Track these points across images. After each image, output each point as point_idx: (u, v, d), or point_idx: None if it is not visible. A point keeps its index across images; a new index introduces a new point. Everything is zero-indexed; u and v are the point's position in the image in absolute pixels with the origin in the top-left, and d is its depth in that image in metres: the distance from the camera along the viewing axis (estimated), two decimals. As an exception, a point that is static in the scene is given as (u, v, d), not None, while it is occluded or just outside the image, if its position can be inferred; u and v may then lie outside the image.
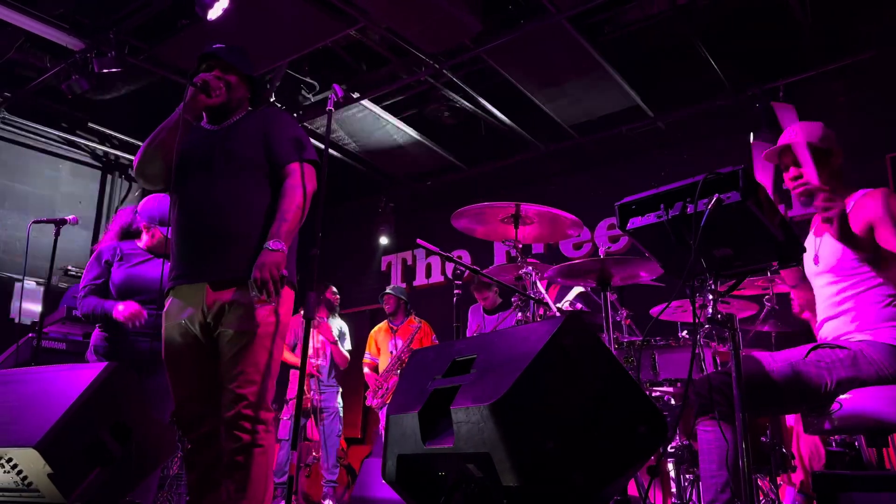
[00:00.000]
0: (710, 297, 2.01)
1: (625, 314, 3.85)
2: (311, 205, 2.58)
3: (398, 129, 6.75)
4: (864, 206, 2.36)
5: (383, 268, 8.12)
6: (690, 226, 1.87)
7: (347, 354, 6.05)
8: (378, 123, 6.66)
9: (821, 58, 5.37)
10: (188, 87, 2.52)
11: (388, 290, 6.19)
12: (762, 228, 1.88)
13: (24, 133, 6.66)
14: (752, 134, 5.47)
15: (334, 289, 6.26)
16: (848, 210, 2.40)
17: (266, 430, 2.36)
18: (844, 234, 2.32)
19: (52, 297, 4.29)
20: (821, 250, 2.48)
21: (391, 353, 5.93)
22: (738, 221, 1.87)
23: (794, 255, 2.01)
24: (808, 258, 2.57)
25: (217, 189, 2.48)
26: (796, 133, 2.48)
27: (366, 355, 6.14)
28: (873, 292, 2.35)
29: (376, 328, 6.23)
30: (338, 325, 6.13)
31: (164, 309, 2.53)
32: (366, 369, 6.12)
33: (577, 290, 4.05)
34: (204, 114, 2.66)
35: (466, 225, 3.70)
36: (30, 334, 4.08)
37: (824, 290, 2.48)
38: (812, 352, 2.30)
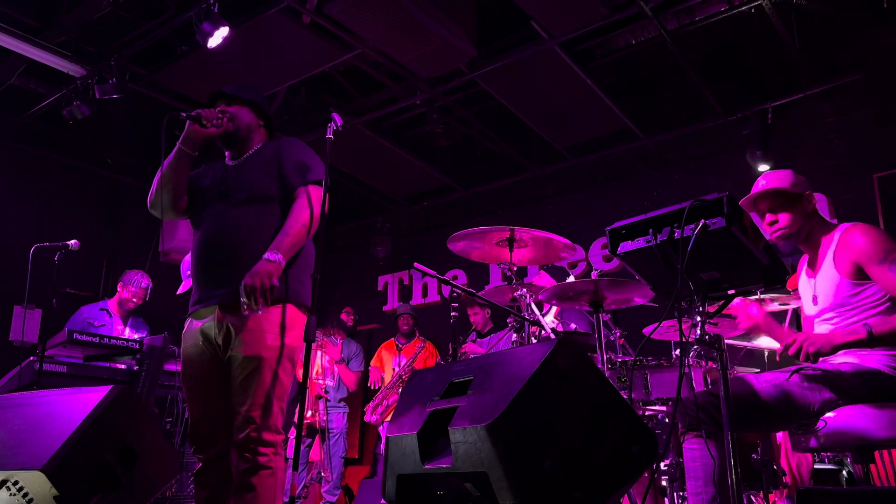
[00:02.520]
0: (699, 318, 2.09)
1: (618, 333, 3.91)
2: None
3: (394, 152, 6.85)
4: (847, 246, 2.40)
5: (380, 287, 8.17)
6: (678, 250, 1.95)
7: (355, 375, 6.16)
8: (375, 146, 6.76)
9: (809, 80, 5.47)
10: (187, 121, 2.62)
11: (406, 311, 6.27)
12: (747, 252, 1.96)
13: (24, 158, 6.72)
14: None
15: (350, 310, 6.43)
16: (832, 247, 2.46)
17: (275, 452, 2.42)
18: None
19: (52, 320, 4.31)
20: (818, 289, 2.52)
21: (394, 369, 5.98)
22: (724, 246, 1.95)
23: (778, 278, 2.08)
24: (806, 300, 2.61)
25: (231, 217, 2.57)
26: (769, 181, 2.56)
27: (371, 368, 6.27)
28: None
29: (385, 343, 6.35)
30: (351, 345, 6.28)
31: (183, 331, 2.62)
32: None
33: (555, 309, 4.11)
34: (227, 152, 2.75)
35: (462, 248, 3.77)
36: (31, 357, 4.10)
37: (823, 325, 2.51)
38: (795, 374, 2.35)
